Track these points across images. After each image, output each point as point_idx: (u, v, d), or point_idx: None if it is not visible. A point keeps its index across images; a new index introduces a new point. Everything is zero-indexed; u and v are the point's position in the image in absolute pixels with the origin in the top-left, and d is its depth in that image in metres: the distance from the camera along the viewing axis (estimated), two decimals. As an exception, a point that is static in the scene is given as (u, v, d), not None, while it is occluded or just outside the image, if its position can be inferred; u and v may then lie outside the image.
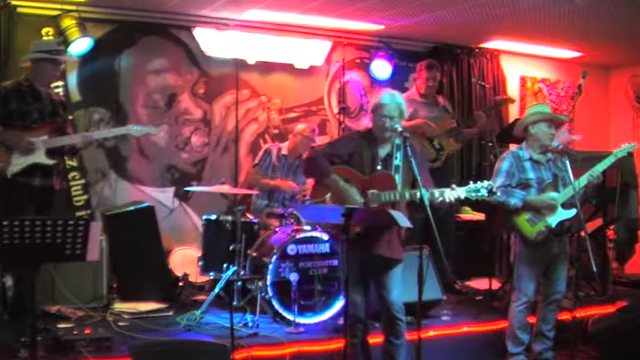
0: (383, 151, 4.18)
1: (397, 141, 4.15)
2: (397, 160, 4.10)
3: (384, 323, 4.25)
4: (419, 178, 3.84)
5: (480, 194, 3.96)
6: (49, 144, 4.73)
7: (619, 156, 4.73)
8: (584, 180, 4.61)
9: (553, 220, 4.64)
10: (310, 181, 6.05)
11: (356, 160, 4.17)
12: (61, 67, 5.33)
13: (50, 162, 4.76)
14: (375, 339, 4.39)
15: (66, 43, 5.79)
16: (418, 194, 3.85)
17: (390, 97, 4.14)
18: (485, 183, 3.99)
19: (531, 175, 4.72)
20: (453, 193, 3.95)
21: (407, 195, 3.97)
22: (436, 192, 3.95)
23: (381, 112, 4.11)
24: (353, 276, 4.14)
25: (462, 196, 3.97)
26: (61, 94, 5.97)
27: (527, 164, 4.74)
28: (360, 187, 4.11)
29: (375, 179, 4.10)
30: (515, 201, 4.66)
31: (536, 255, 4.72)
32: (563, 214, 4.63)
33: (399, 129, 4.03)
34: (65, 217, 3.66)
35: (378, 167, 4.15)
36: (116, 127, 5.63)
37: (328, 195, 4.14)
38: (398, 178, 4.05)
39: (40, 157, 4.70)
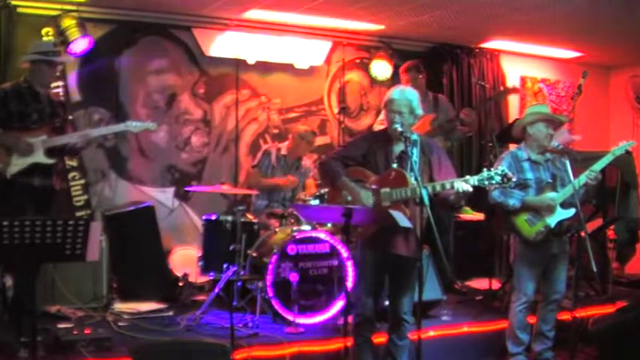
0: (397, 148, 4.13)
1: (414, 137, 4.10)
2: (414, 157, 4.01)
3: (390, 323, 4.25)
4: (419, 178, 3.83)
5: (493, 181, 3.89)
6: (48, 143, 4.72)
7: (617, 154, 4.67)
8: (582, 179, 4.60)
9: (552, 221, 4.62)
10: (310, 181, 6.11)
11: (370, 160, 4.16)
12: (59, 68, 5.32)
13: (50, 161, 4.75)
14: (378, 339, 4.39)
15: (66, 43, 5.80)
16: (429, 189, 3.84)
17: (399, 92, 4.11)
18: (499, 169, 3.93)
19: (529, 175, 4.71)
20: (463, 184, 3.87)
21: (417, 191, 3.88)
22: (447, 183, 3.92)
23: (390, 107, 4.08)
24: (367, 276, 4.13)
25: (474, 184, 3.88)
26: (61, 94, 5.96)
27: (526, 164, 4.73)
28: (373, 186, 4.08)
29: (386, 178, 4.07)
30: (513, 202, 4.65)
31: (536, 255, 4.71)
32: (562, 214, 4.62)
33: (399, 129, 3.98)
34: (65, 217, 3.66)
35: (394, 165, 4.10)
36: (115, 124, 5.63)
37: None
38: (413, 174, 3.93)
39: (40, 157, 4.69)
